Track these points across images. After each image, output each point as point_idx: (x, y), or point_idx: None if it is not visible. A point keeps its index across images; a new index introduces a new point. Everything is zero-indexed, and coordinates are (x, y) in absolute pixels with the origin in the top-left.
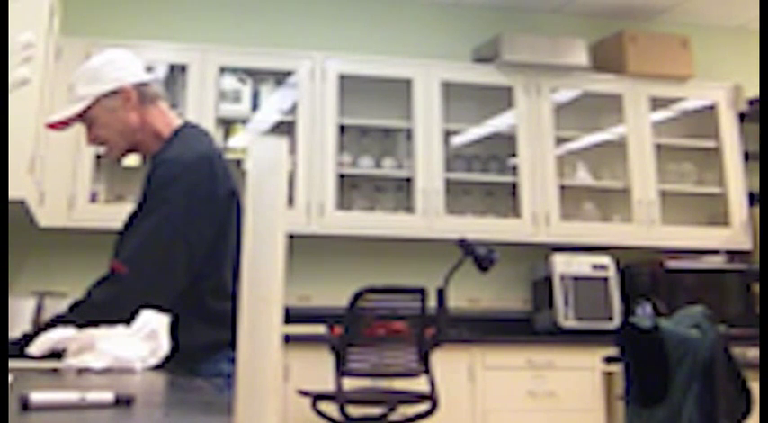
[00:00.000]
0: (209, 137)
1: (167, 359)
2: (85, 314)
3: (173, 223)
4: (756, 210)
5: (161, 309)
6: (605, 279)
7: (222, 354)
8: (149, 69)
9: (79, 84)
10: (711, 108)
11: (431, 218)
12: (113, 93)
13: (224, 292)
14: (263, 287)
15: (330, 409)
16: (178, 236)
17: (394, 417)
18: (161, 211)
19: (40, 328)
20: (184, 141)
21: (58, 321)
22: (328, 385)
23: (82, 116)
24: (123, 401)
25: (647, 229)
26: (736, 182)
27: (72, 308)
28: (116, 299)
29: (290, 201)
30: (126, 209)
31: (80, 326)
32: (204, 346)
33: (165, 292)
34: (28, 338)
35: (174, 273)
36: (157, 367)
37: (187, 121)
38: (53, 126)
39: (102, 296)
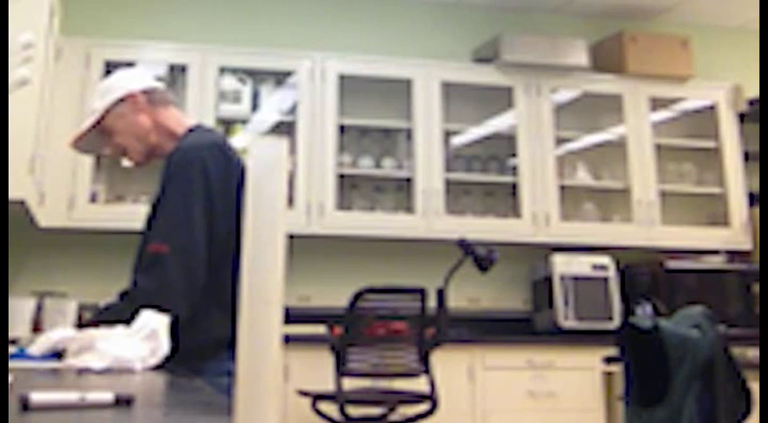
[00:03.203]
0: (223, 135)
1: (168, 358)
2: (139, 300)
3: (200, 201)
4: (756, 210)
5: (195, 288)
6: (605, 279)
7: (231, 351)
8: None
9: (95, 101)
10: (711, 108)
11: (431, 218)
12: (122, 100)
13: (234, 284)
14: (263, 287)
15: (330, 409)
16: (204, 214)
17: (394, 417)
18: (182, 189)
19: (88, 322)
20: (198, 134)
21: (111, 311)
22: (328, 385)
23: (98, 127)
24: (123, 402)
25: (647, 229)
26: (736, 182)
27: (122, 296)
28: (167, 278)
29: (290, 201)
30: (126, 209)
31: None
32: (215, 342)
33: (202, 265)
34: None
35: (202, 250)
36: (157, 367)
37: (201, 123)
38: (77, 140)
39: (151, 281)
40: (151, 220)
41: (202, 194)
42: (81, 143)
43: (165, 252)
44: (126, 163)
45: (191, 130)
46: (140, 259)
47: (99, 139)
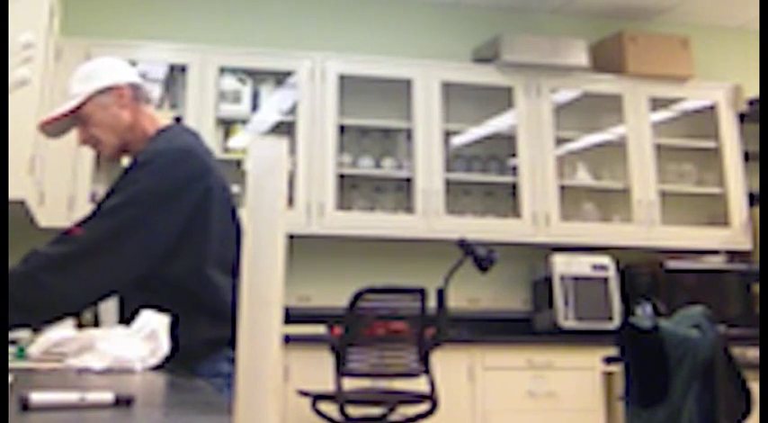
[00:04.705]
0: (197, 135)
1: (168, 358)
2: (39, 265)
3: (137, 204)
4: (756, 210)
5: (109, 286)
6: (605, 279)
7: (221, 354)
8: (150, 70)
9: (74, 85)
10: (711, 108)
11: (431, 218)
12: (108, 89)
13: (216, 287)
14: (263, 287)
15: (330, 409)
16: (139, 217)
17: (394, 417)
18: (128, 190)
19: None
20: (165, 137)
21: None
22: (328, 385)
23: (75, 113)
24: (123, 402)
25: (647, 229)
26: (736, 182)
27: (26, 259)
28: (70, 255)
29: (290, 201)
30: None
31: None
32: (204, 344)
33: (119, 265)
34: None
35: (129, 251)
36: (157, 367)
37: (174, 122)
38: (47, 123)
39: (57, 250)
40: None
41: (146, 197)
42: (50, 127)
43: (79, 234)
44: (125, 160)
45: (161, 131)
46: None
47: (69, 124)
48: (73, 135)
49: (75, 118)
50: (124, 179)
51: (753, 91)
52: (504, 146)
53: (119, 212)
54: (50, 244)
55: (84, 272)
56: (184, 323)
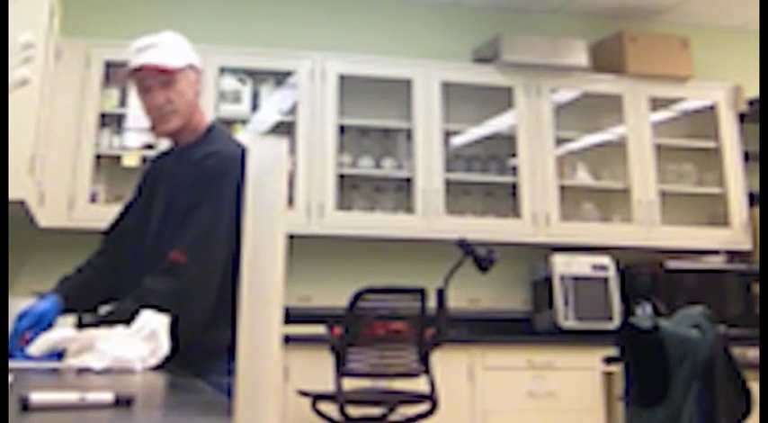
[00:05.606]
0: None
1: (173, 355)
2: (149, 302)
3: (227, 214)
4: (756, 210)
5: (207, 301)
6: (605, 279)
7: (234, 353)
8: None
9: (167, 46)
10: (711, 108)
11: (431, 218)
12: (196, 69)
13: None
14: (263, 288)
15: (330, 409)
16: (228, 228)
17: (394, 417)
18: (216, 201)
19: (92, 322)
20: (224, 137)
21: (120, 311)
22: (328, 385)
23: (172, 73)
24: (123, 402)
25: (647, 229)
26: (736, 182)
27: (136, 299)
28: (180, 289)
29: (290, 201)
30: None
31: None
32: (223, 347)
33: (215, 282)
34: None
35: (220, 265)
36: (159, 366)
37: (213, 120)
38: (147, 69)
39: (166, 287)
40: (174, 220)
41: (230, 208)
42: (140, 73)
43: (183, 262)
44: (131, 160)
45: (210, 128)
46: (153, 258)
47: (135, 77)
48: (73, 135)
49: (161, 74)
50: (209, 189)
51: (753, 91)
52: (504, 146)
53: (213, 229)
54: (158, 277)
55: (196, 302)
56: (206, 329)
